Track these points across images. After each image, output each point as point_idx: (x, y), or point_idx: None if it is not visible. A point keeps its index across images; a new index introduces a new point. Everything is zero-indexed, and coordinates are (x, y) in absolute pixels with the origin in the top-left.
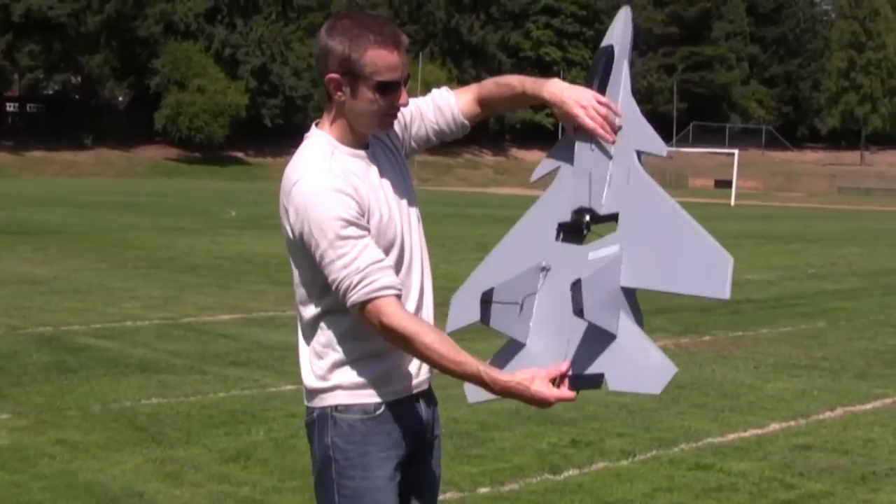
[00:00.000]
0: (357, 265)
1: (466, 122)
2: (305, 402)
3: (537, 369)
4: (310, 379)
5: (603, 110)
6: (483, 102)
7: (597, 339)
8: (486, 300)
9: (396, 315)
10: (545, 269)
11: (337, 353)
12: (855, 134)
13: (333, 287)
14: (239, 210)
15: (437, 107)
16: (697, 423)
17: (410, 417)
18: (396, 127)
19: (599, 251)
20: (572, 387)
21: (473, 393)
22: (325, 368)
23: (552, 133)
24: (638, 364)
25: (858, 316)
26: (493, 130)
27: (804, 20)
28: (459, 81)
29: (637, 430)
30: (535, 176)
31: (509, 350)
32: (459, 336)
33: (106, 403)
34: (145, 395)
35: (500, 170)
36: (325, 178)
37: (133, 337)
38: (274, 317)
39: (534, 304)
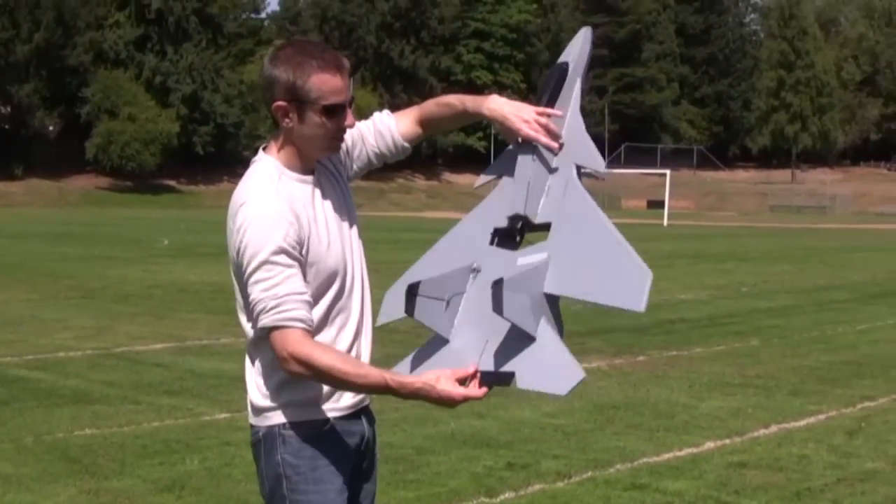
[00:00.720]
0: (276, 291)
1: (407, 144)
2: (251, 421)
3: (443, 370)
4: (257, 397)
5: (543, 120)
6: (424, 123)
7: (515, 343)
8: (413, 292)
9: (299, 343)
10: (475, 271)
11: (283, 371)
12: (785, 152)
13: (251, 307)
14: (171, 239)
15: (378, 131)
16: (633, 443)
17: (356, 433)
18: (339, 152)
19: (528, 257)
20: (483, 383)
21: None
22: (272, 386)
23: (484, 156)
24: (548, 365)
25: (791, 333)
26: (425, 154)
27: (733, 40)
28: (391, 106)
29: (572, 451)
30: (478, 182)
31: (430, 347)
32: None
33: (39, 435)
34: (79, 427)
35: (433, 194)
36: (271, 203)
37: (66, 368)
38: (207, 345)
39: (460, 302)
